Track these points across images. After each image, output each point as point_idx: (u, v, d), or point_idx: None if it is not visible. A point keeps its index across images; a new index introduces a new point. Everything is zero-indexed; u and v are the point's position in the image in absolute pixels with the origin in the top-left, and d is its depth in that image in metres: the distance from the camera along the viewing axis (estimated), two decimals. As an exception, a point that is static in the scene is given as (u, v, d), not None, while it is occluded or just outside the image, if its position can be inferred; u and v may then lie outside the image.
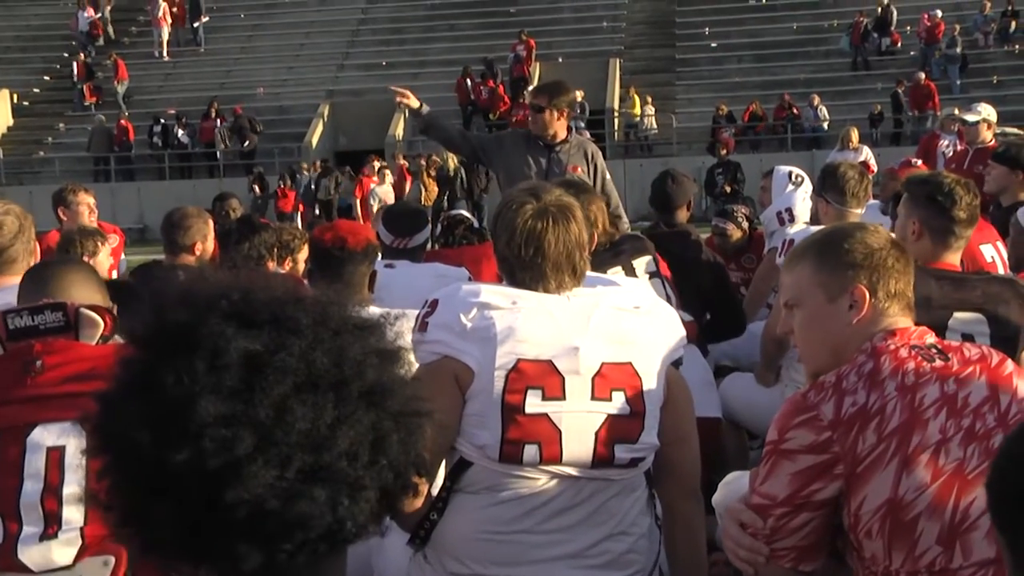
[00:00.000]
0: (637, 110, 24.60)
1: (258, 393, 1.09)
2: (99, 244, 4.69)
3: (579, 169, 5.34)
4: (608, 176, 5.62)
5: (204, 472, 1.08)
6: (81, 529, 2.22)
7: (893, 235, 2.34)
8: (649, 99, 24.59)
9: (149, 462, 1.09)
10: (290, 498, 1.10)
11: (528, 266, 2.37)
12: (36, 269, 2.62)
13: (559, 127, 5.42)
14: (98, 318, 2.29)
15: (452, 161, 20.90)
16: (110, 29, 29.23)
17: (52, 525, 2.21)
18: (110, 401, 1.15)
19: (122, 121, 25.61)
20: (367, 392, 1.15)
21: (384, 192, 20.44)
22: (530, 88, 5.71)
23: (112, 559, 2.22)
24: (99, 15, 28.62)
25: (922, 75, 23.50)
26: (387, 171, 21.36)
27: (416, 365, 1.28)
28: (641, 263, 4.01)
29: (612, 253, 3.93)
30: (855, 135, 14.71)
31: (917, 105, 23.21)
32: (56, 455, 2.20)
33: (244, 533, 1.10)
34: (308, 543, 1.13)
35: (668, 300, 3.69)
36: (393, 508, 1.21)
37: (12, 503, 2.22)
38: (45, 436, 2.21)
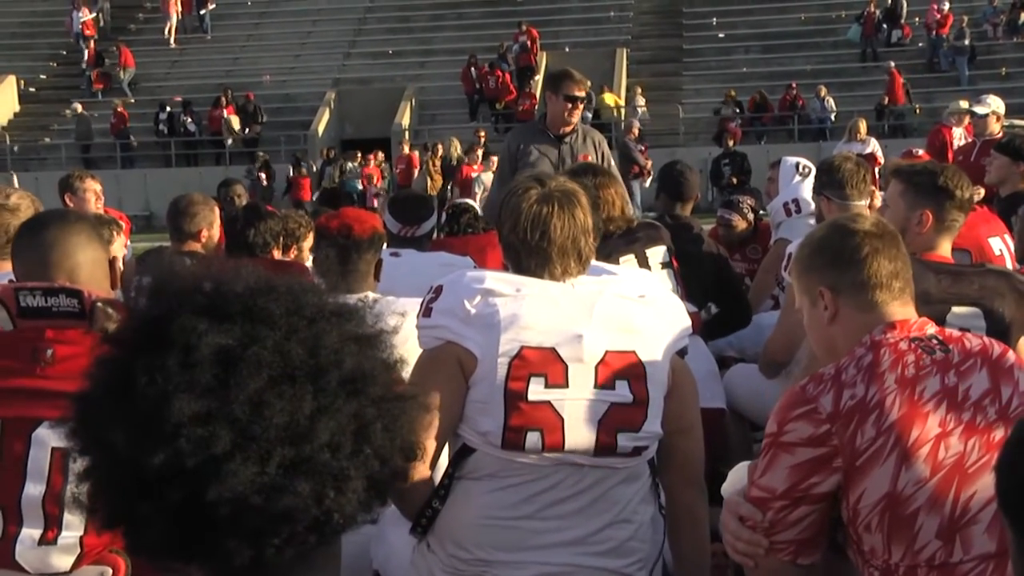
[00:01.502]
0: (612, 102, 24.25)
1: (233, 389, 1.08)
2: (113, 233, 4.68)
3: (589, 158, 5.36)
4: (613, 164, 5.63)
5: (183, 471, 1.06)
6: (80, 538, 2.19)
7: (876, 221, 2.29)
8: (639, 90, 24.37)
9: (127, 464, 1.08)
10: (273, 493, 1.08)
11: (534, 251, 2.37)
12: (33, 230, 2.42)
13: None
14: (113, 313, 2.22)
15: (456, 150, 20.77)
16: (103, 23, 28.95)
17: (52, 529, 2.19)
18: (86, 402, 1.13)
19: (119, 108, 25.57)
20: (346, 380, 1.13)
21: (490, 180, 19.56)
22: (555, 77, 5.59)
23: (109, 570, 2.20)
24: (93, 15, 28.34)
25: (891, 63, 23.43)
26: (493, 157, 20.39)
27: (400, 347, 1.26)
28: (656, 252, 3.95)
29: (626, 240, 3.89)
30: (863, 126, 14.63)
31: (890, 96, 23.19)
32: (60, 456, 2.16)
33: (229, 530, 1.09)
34: (296, 536, 1.12)
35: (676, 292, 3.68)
36: (382, 496, 1.19)
37: (14, 500, 2.19)
38: (50, 435, 2.16)
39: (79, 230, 2.40)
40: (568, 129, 5.44)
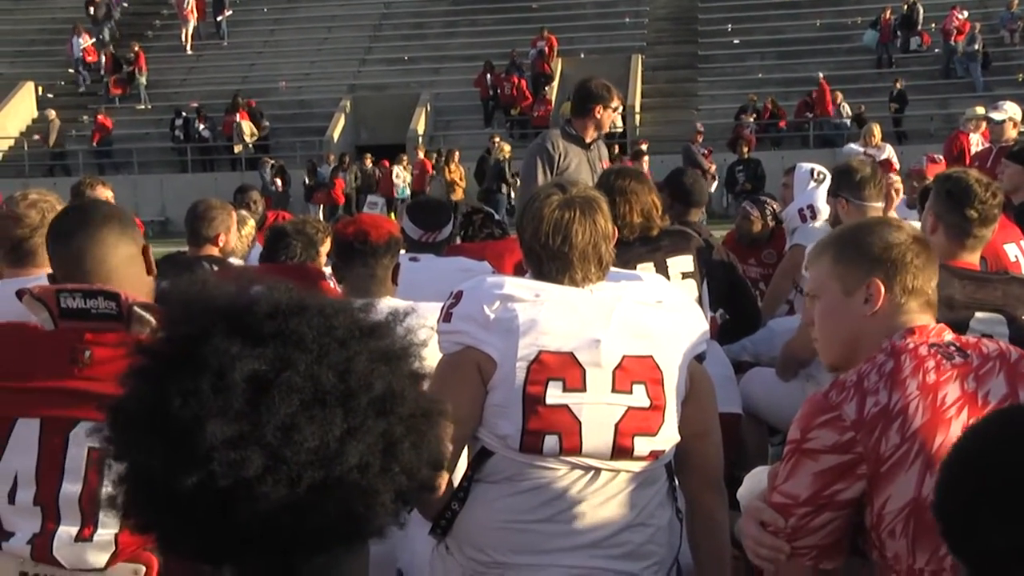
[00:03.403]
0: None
1: (265, 414, 1.09)
2: None
3: (606, 163, 5.44)
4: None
5: (215, 491, 1.08)
6: (116, 536, 2.21)
7: (917, 231, 2.33)
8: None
9: (160, 482, 1.10)
10: (303, 512, 1.10)
11: (556, 256, 2.39)
12: (60, 240, 2.38)
13: None
14: (150, 317, 2.20)
15: (503, 152, 20.56)
16: (115, 36, 29.00)
17: (88, 526, 2.21)
18: (121, 413, 1.15)
19: (99, 117, 25.65)
20: (376, 401, 1.15)
21: None
22: (604, 90, 5.76)
23: (143, 568, 2.22)
24: (93, 40, 28.27)
25: (820, 75, 23.28)
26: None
27: (428, 358, 1.27)
28: (678, 262, 3.89)
29: (649, 248, 3.85)
30: (878, 132, 14.58)
31: (817, 107, 23.05)
32: (97, 455, 2.15)
33: (260, 543, 1.11)
34: (324, 548, 1.14)
35: (700, 301, 3.66)
36: (409, 505, 1.21)
37: (52, 497, 2.21)
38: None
39: (107, 231, 2.34)
40: (595, 137, 5.54)
